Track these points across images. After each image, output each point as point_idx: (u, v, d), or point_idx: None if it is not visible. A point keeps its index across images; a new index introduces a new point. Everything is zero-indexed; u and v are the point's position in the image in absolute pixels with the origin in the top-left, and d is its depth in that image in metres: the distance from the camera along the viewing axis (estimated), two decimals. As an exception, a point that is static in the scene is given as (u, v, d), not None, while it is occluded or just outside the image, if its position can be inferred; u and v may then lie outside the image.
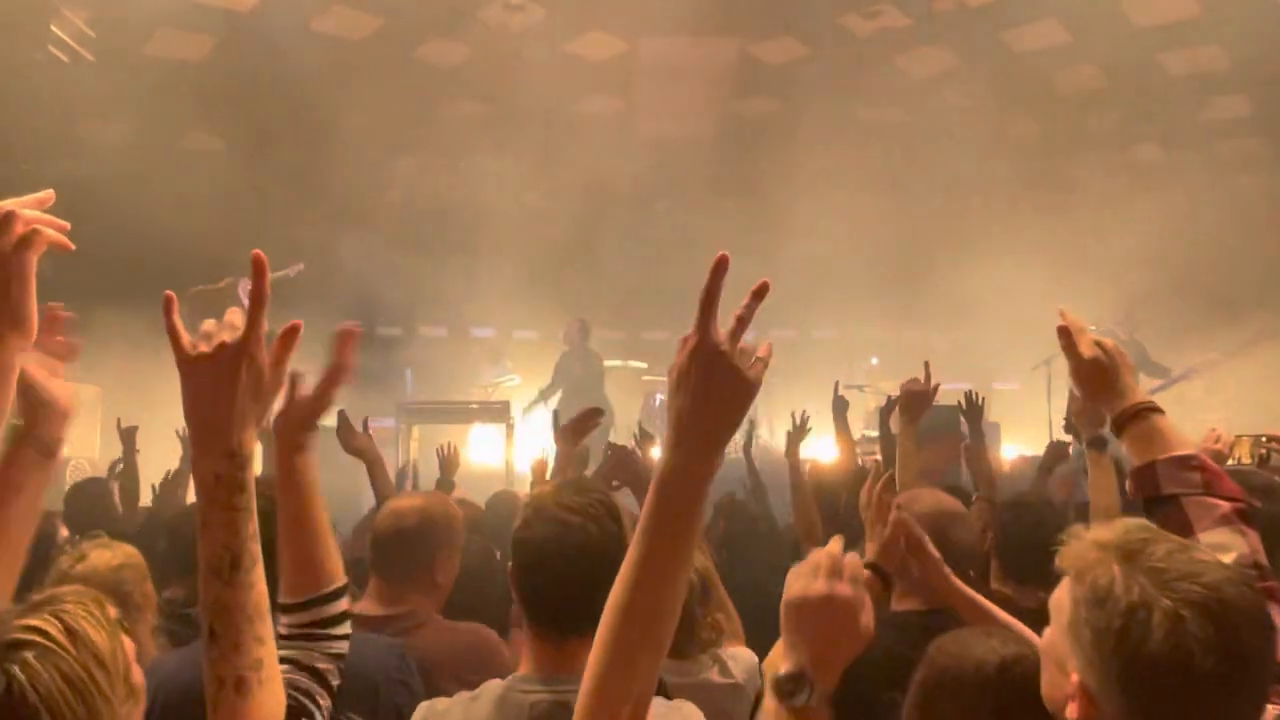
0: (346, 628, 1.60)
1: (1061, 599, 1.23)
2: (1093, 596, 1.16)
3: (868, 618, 1.28)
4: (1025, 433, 9.78)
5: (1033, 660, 1.57)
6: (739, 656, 2.41)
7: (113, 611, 1.35)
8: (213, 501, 1.21)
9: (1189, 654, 1.09)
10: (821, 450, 7.45)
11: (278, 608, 1.58)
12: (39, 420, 1.53)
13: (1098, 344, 1.77)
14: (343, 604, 1.60)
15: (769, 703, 1.26)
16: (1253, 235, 9.48)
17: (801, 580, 1.29)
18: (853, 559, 1.32)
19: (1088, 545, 1.21)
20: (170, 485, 4.54)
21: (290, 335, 1.30)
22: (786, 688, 1.23)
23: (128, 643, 1.36)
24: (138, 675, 1.36)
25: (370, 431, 3.93)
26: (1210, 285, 9.36)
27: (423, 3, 8.45)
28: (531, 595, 1.70)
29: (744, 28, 9.11)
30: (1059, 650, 1.22)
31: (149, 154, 9.18)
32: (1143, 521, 1.26)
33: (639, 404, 10.40)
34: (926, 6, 8.63)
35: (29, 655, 1.20)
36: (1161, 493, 1.58)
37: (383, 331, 11.56)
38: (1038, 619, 2.00)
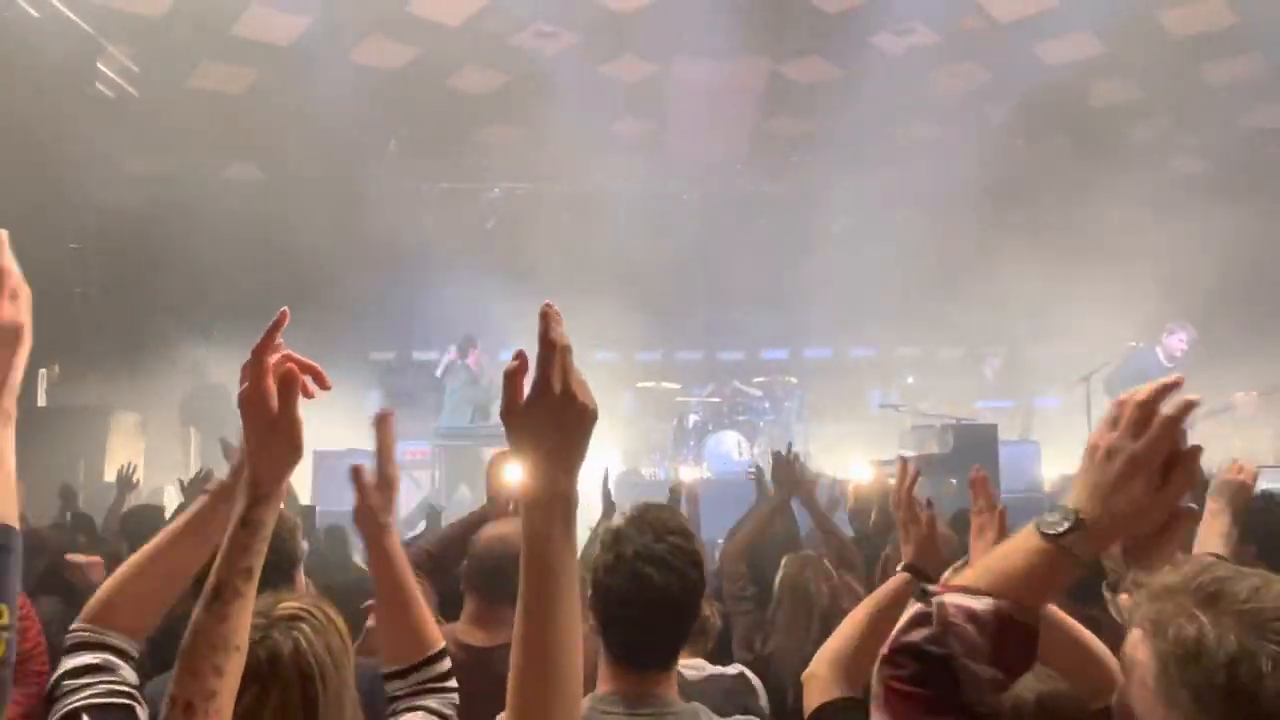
0: (453, 682, 1.70)
1: (1139, 658, 1.10)
2: (1183, 653, 1.04)
3: (1172, 488, 1.12)
4: (1066, 450, 9.63)
5: (1069, 698, 1.55)
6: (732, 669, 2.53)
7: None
8: (230, 527, 1.30)
9: None
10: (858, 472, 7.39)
11: (385, 677, 1.70)
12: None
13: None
14: (444, 664, 1.69)
15: (1028, 531, 1.15)
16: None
17: (1101, 426, 1.18)
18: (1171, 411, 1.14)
19: (1157, 593, 1.09)
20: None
21: (287, 380, 1.32)
22: (1049, 516, 1.14)
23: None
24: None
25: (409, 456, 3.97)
26: (1258, 299, 9.18)
27: (458, 31, 8.59)
28: (613, 635, 1.78)
29: (775, 48, 9.14)
30: (1145, 716, 1.09)
31: (192, 185, 9.41)
32: (1208, 558, 1.15)
33: (672, 424, 10.39)
34: (957, 23, 8.60)
35: (307, 627, 1.51)
36: None
37: (419, 356, 11.69)
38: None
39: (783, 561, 3.20)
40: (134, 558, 1.63)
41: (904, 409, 9.42)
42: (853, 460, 8.85)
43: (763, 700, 2.50)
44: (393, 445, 1.68)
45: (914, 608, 1.14)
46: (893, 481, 2.50)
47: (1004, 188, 10.38)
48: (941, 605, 1.11)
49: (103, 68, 8.38)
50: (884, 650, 1.13)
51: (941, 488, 7.30)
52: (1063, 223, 9.62)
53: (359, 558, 4.80)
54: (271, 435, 1.31)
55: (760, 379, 10.68)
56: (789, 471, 3.97)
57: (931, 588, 1.14)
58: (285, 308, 1.36)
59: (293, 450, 1.32)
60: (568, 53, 8.93)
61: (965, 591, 1.11)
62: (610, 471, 5.26)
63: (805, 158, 10.78)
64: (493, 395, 9.81)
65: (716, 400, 10.53)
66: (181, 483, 4.83)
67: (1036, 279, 9.06)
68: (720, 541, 5.10)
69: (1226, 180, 10.06)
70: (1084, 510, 1.13)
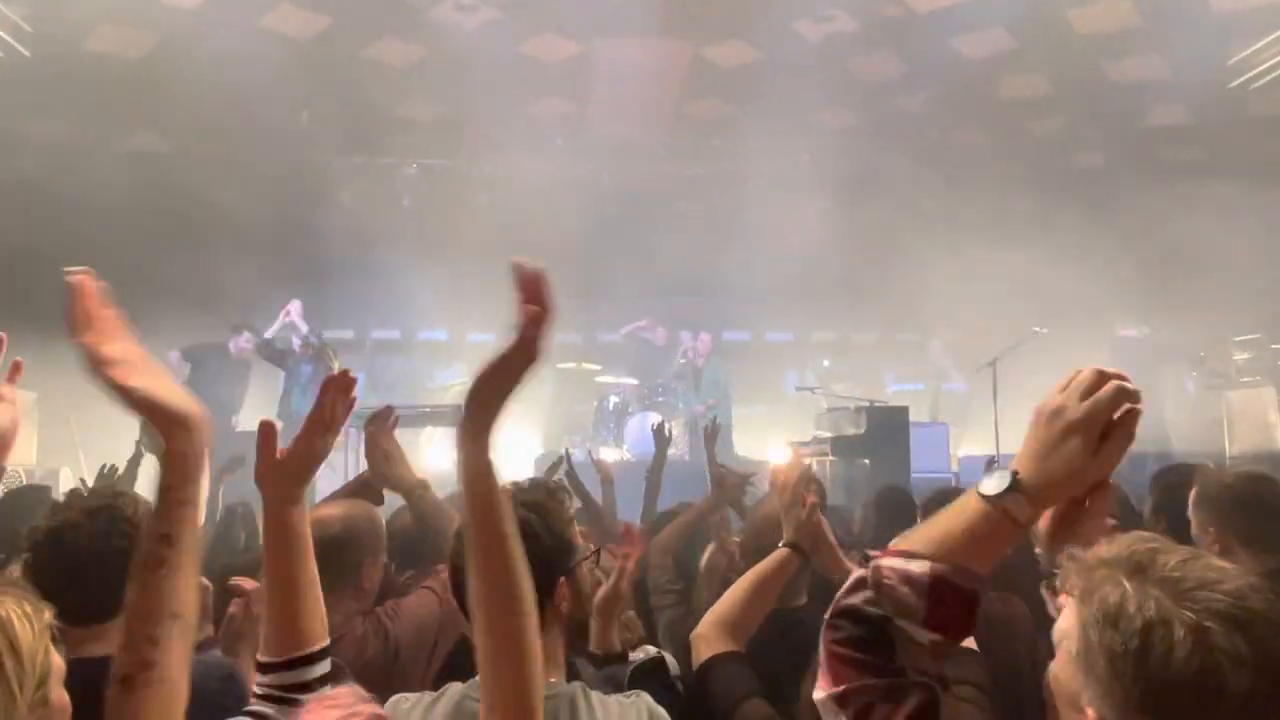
0: (326, 691, 1.53)
1: (1067, 627, 1.10)
2: (1103, 617, 1.04)
3: (1108, 451, 1.12)
4: (973, 433, 9.97)
5: None
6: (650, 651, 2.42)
7: (48, 616, 1.35)
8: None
9: (1218, 670, 0.98)
10: (776, 455, 7.50)
11: (256, 666, 1.54)
12: None
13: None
14: (324, 667, 1.54)
15: (969, 494, 1.16)
16: (1187, 242, 9.74)
17: (1053, 389, 1.18)
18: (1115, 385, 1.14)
19: (1090, 564, 1.10)
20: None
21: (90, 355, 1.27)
22: (990, 479, 1.15)
23: (56, 659, 1.34)
24: (58, 694, 1.34)
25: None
26: (1153, 290, 9.60)
27: (373, 2, 8.35)
28: (466, 610, 1.71)
29: (697, 31, 9.15)
30: (1070, 685, 1.08)
31: (89, 153, 8.95)
32: (1145, 534, 1.14)
33: (592, 406, 10.38)
34: (877, 12, 8.74)
35: None
36: None
37: (333, 334, 11.41)
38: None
39: (707, 550, 3.23)
40: None
41: (819, 391, 9.60)
42: (769, 441, 8.98)
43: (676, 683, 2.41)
44: (334, 418, 1.53)
45: (855, 574, 1.15)
46: (809, 463, 2.59)
47: (917, 175, 10.61)
48: (877, 568, 1.12)
49: (-10, 26, 7.90)
50: (827, 615, 1.14)
51: (855, 468, 7.48)
52: (972, 211, 9.89)
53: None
54: (131, 410, 1.27)
55: (682, 360, 10.75)
56: (733, 485, 4.00)
57: (873, 553, 1.15)
58: (82, 273, 1.30)
59: (163, 417, 1.27)
60: (488, 28, 8.77)
61: (904, 555, 1.12)
62: (529, 452, 5.22)
63: (725, 141, 10.84)
64: None
65: (636, 382, 10.56)
66: (83, 482, 4.57)
67: (947, 266, 9.31)
68: (639, 523, 5.13)
69: (1123, 175, 10.48)
70: (1022, 471, 1.13)
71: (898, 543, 1.16)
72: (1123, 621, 1.02)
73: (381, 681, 2.28)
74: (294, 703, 1.49)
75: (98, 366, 1.25)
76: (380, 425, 2.81)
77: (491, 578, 1.28)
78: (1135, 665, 1.00)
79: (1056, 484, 1.13)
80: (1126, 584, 1.04)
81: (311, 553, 1.54)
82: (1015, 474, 1.13)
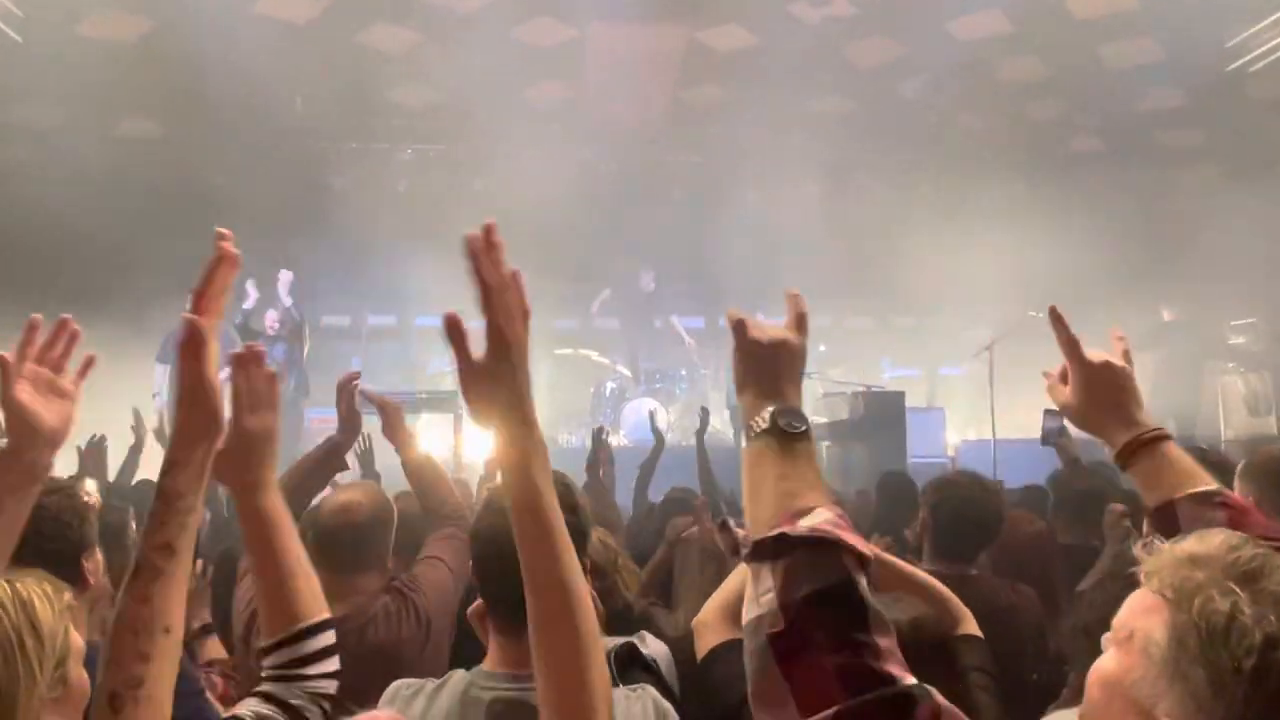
0: (332, 664, 1.53)
1: (1148, 629, 1.01)
2: (1208, 629, 0.96)
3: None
4: (970, 417, 10.00)
5: (935, 620, 1.74)
6: (648, 639, 2.39)
7: (68, 597, 1.39)
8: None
9: None
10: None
11: (259, 651, 1.53)
12: (24, 445, 1.51)
13: (1107, 360, 1.51)
14: (323, 639, 1.52)
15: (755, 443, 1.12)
16: (1184, 226, 9.74)
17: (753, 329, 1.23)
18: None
19: (1183, 562, 1.02)
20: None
21: (189, 338, 1.26)
22: (782, 417, 1.10)
23: (75, 639, 1.38)
24: (78, 674, 1.37)
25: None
26: (1149, 276, 9.61)
27: (367, -15, 8.31)
28: (484, 587, 1.72)
29: (693, 15, 9.10)
30: (1141, 689, 1.00)
31: (82, 140, 8.91)
32: (1240, 534, 1.07)
33: (589, 391, 10.39)
34: (873, -5, 8.71)
35: None
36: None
37: (329, 321, 11.40)
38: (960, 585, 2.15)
39: (680, 538, 3.22)
40: None
41: (816, 376, 9.60)
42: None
43: (658, 662, 2.35)
44: (254, 393, 1.46)
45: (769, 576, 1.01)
46: None
47: (914, 160, 10.59)
48: (785, 537, 1.00)
49: (-19, 10, 7.85)
50: (778, 628, 0.99)
51: (851, 453, 7.50)
52: (969, 195, 9.88)
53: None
54: (184, 398, 1.25)
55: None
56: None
57: (743, 533, 1.06)
58: (227, 241, 1.28)
59: (204, 419, 1.25)
60: (483, 12, 8.72)
61: (792, 517, 1.01)
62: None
63: (721, 126, 10.81)
64: None
65: (628, 374, 10.57)
66: (79, 449, 4.61)
67: (943, 250, 9.31)
68: (632, 509, 5.15)
69: (1121, 159, 10.47)
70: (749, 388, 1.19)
71: (769, 526, 1.03)
72: (1234, 637, 0.95)
73: (418, 656, 2.34)
74: (299, 678, 1.48)
75: (199, 350, 1.24)
76: (352, 382, 2.99)
77: (549, 602, 1.20)
78: (1250, 686, 0.93)
79: (763, 372, 1.18)
80: (1239, 593, 0.96)
81: (293, 533, 1.51)
82: (773, 411, 1.11)
